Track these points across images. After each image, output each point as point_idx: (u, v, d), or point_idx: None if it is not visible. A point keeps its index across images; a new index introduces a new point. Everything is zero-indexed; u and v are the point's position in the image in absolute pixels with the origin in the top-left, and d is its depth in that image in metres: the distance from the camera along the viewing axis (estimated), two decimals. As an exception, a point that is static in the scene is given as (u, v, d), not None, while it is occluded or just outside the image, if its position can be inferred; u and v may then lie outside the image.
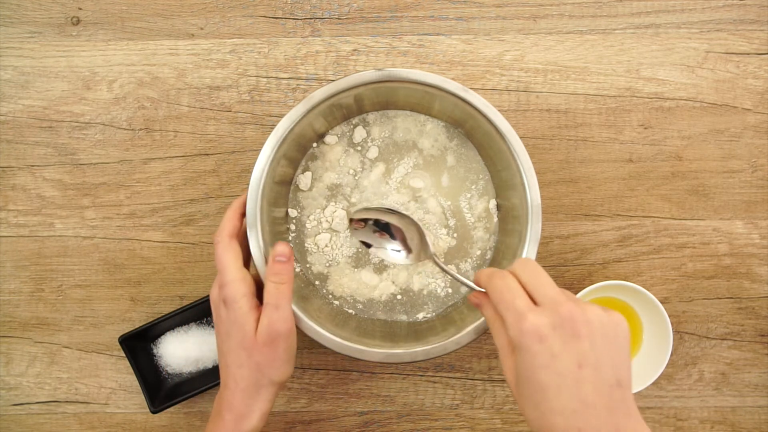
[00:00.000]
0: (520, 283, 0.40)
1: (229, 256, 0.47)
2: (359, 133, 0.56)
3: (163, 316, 0.57)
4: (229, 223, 0.48)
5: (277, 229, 0.54)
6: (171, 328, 0.59)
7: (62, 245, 0.60)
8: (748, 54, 0.60)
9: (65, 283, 0.60)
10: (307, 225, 0.56)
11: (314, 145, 0.56)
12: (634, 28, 0.60)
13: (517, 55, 0.60)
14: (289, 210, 0.56)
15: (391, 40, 0.61)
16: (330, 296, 0.56)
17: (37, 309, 0.60)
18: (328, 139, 0.56)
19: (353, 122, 0.56)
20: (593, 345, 0.37)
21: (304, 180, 0.56)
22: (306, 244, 0.56)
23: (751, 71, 0.60)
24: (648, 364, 0.56)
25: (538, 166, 0.59)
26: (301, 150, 0.55)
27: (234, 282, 0.46)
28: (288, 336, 0.46)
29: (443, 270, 0.49)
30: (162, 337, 0.59)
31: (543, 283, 0.40)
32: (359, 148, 0.56)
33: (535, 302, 0.39)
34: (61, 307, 0.60)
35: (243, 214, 0.50)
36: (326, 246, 0.56)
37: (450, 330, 0.50)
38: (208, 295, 0.57)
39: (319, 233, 0.56)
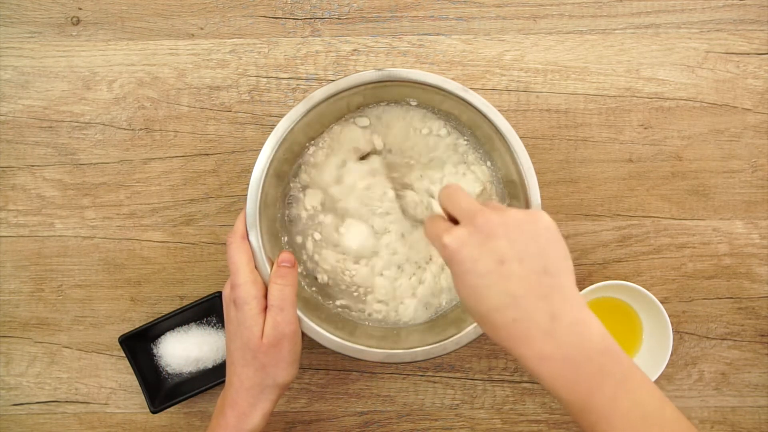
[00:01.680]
0: (445, 211, 0.43)
1: (241, 258, 0.48)
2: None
3: (163, 316, 0.57)
4: (242, 224, 0.50)
5: (277, 228, 0.54)
6: (171, 328, 0.59)
7: (62, 245, 0.60)
8: (748, 54, 0.60)
9: (65, 283, 0.60)
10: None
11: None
12: (634, 28, 0.60)
13: (517, 55, 0.60)
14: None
15: (391, 40, 0.61)
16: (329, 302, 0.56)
17: (37, 309, 0.60)
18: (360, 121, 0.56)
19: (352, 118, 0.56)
20: (512, 241, 0.39)
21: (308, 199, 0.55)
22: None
23: (751, 71, 0.60)
24: (648, 364, 0.56)
25: (538, 166, 0.59)
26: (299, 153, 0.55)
27: (246, 284, 0.47)
28: (292, 338, 0.47)
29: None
30: (162, 337, 0.59)
31: (457, 200, 0.42)
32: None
33: (457, 223, 0.41)
34: (61, 307, 0.60)
35: None
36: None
37: (450, 330, 0.50)
38: (208, 295, 0.58)
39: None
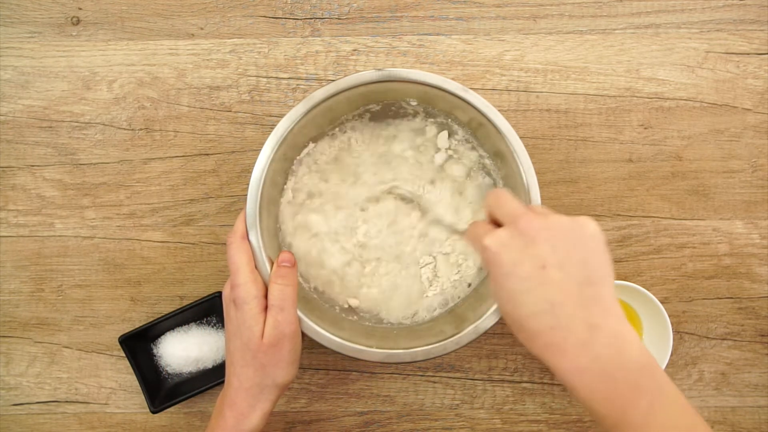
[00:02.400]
0: (489, 216, 0.43)
1: (241, 257, 0.48)
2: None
3: (163, 316, 0.57)
4: (242, 224, 0.49)
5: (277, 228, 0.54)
6: (171, 328, 0.59)
7: (62, 245, 0.60)
8: (748, 54, 0.60)
9: (65, 283, 0.60)
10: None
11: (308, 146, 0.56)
12: (634, 28, 0.60)
13: (517, 55, 0.60)
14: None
15: (391, 40, 0.61)
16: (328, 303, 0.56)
17: (37, 309, 0.60)
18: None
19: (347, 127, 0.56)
20: (554, 247, 0.38)
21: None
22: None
23: (751, 71, 0.60)
24: None
25: (538, 166, 0.59)
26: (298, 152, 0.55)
27: (246, 284, 0.47)
28: (293, 338, 0.47)
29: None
30: (162, 337, 0.59)
31: (503, 204, 0.41)
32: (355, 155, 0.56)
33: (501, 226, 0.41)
34: (61, 307, 0.60)
35: None
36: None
37: (450, 330, 0.50)
38: (208, 295, 0.58)
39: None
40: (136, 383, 0.59)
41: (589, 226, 0.39)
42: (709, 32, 0.60)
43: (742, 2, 0.60)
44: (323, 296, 0.55)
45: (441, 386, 0.60)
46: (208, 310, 0.59)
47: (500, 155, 0.52)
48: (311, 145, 0.55)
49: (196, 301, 0.58)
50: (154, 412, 0.56)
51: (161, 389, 0.58)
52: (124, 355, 0.58)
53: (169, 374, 0.59)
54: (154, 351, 0.59)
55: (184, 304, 0.58)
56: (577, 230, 0.39)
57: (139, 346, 0.58)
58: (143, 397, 0.57)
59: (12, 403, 0.60)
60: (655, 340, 0.56)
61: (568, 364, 0.37)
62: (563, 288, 0.37)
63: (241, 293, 0.47)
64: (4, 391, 0.60)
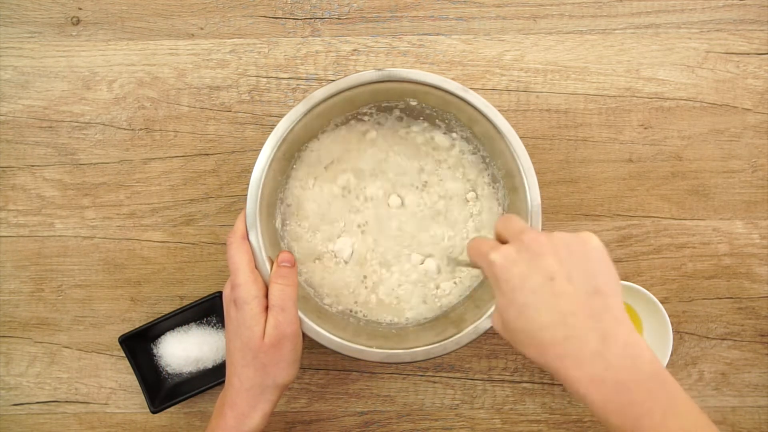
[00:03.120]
0: (497, 236, 0.43)
1: (242, 258, 0.48)
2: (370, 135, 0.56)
3: (163, 316, 0.57)
4: (242, 224, 0.49)
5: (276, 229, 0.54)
6: (171, 328, 0.59)
7: (62, 245, 0.60)
8: (748, 54, 0.60)
9: (65, 283, 0.60)
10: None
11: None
12: (634, 28, 0.60)
13: (517, 55, 0.60)
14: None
15: (391, 40, 0.61)
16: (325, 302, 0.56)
17: (37, 309, 0.60)
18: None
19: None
20: (560, 260, 0.38)
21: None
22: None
23: (751, 71, 0.60)
24: None
25: (538, 166, 0.58)
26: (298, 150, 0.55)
27: (246, 284, 0.47)
28: (293, 338, 0.47)
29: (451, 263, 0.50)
30: (162, 337, 0.59)
31: (511, 224, 0.42)
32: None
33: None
34: (61, 307, 0.60)
35: None
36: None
37: (450, 330, 0.50)
38: (208, 295, 0.57)
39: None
40: (136, 383, 0.59)
41: (592, 240, 0.40)
42: (709, 32, 0.60)
43: (742, 2, 0.60)
44: (324, 298, 0.55)
45: (441, 386, 0.60)
46: (208, 310, 0.59)
47: (500, 156, 0.52)
48: (312, 145, 0.55)
49: (196, 301, 0.58)
50: (154, 412, 0.56)
51: (161, 389, 0.58)
52: (124, 355, 0.58)
53: (169, 374, 0.59)
54: (154, 351, 0.59)
55: (184, 304, 0.58)
56: (581, 244, 0.39)
57: (139, 346, 0.58)
58: (143, 397, 0.56)
59: (12, 403, 0.60)
60: (655, 340, 0.56)
61: (582, 374, 0.37)
62: (573, 299, 0.37)
63: (242, 293, 0.47)
64: (4, 391, 0.60)
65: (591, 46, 0.60)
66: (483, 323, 0.49)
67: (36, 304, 0.60)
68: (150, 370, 0.58)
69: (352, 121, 0.56)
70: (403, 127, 0.56)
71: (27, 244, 0.60)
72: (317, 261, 0.55)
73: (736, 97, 0.60)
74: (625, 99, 0.60)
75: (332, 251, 0.55)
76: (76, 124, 0.61)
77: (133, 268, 0.60)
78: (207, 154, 0.60)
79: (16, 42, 0.61)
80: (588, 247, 0.39)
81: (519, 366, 0.59)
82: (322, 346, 0.49)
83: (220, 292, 0.58)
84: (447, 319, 0.54)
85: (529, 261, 0.38)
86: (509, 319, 0.39)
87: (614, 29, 0.60)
